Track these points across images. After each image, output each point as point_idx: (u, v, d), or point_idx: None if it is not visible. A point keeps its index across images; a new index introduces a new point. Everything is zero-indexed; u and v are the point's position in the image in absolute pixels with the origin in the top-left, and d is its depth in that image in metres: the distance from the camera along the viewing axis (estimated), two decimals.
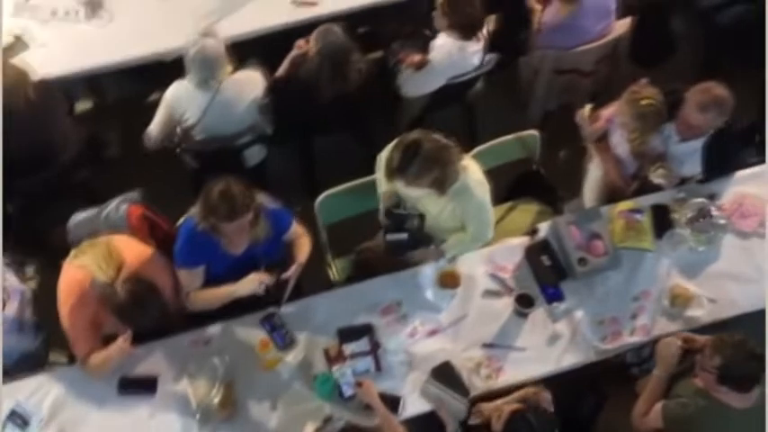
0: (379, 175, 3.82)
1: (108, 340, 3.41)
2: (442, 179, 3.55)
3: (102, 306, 3.29)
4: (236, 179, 3.39)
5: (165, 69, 4.26)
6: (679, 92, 3.77)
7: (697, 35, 5.04)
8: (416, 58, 4.37)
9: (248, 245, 3.56)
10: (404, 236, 3.76)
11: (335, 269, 4.13)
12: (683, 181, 3.98)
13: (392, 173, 3.56)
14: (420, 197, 3.72)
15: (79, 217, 3.67)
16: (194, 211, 3.45)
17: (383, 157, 3.70)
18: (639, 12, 4.64)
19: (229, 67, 4.07)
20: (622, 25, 4.53)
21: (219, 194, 3.33)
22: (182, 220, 3.64)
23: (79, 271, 3.36)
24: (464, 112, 4.77)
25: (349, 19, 4.51)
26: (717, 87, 3.69)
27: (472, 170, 3.71)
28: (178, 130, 4.17)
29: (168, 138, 4.19)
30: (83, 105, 5.02)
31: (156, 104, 4.16)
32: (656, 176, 3.87)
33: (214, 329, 3.64)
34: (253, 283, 3.50)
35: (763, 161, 4.11)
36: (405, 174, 3.51)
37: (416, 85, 4.38)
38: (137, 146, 4.22)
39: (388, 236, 3.78)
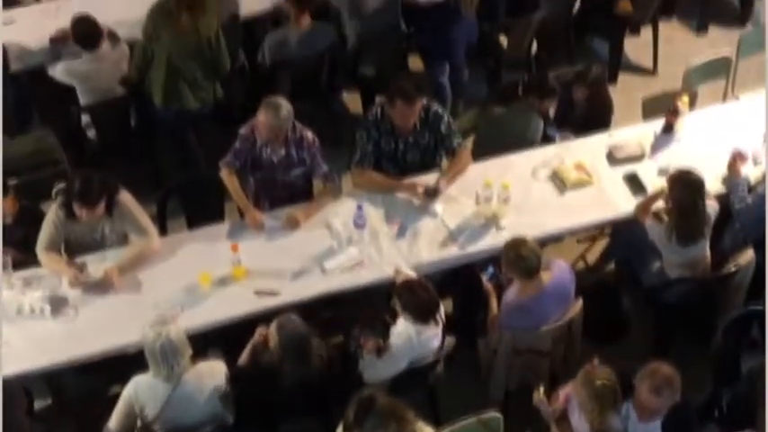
0: None
1: None
2: None
3: None
4: None
5: (126, 363, 4.29)
6: (632, 374, 3.85)
7: (646, 313, 5.22)
8: (377, 343, 4.46)
9: None
10: None
11: None
12: None
13: (348, 430, 3.51)
14: None
15: None
16: None
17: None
18: (590, 292, 4.82)
19: (189, 352, 4.10)
20: (575, 306, 4.69)
21: None
22: None
23: None
24: (426, 394, 4.79)
25: (310, 305, 4.65)
26: (663, 367, 3.78)
27: None
28: (138, 423, 4.12)
29: None
30: (41, 402, 4.97)
31: (115, 399, 4.13)
32: None
33: None
34: None
35: None
36: (361, 429, 3.46)
37: (378, 370, 4.43)
38: None
39: None
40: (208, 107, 5.89)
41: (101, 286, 4.67)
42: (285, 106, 4.89)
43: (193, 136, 6.09)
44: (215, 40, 5.66)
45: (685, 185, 4.72)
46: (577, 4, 6.94)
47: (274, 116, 4.86)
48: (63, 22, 5.90)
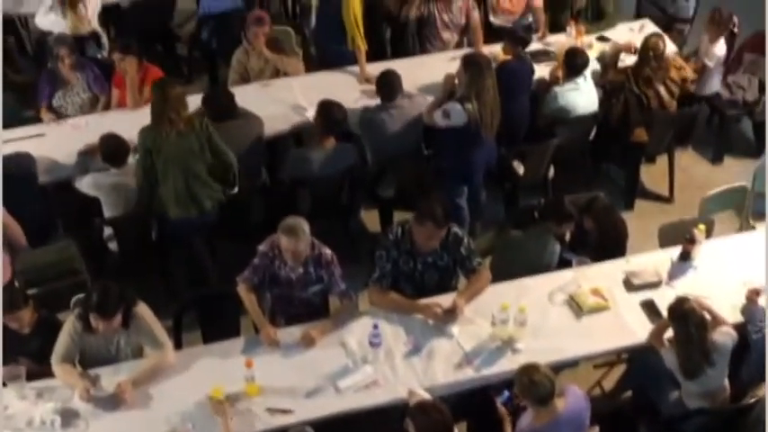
0: None
1: None
2: None
3: None
4: None
5: None
6: None
7: None
8: None
9: None
10: None
11: None
12: None
13: None
14: None
15: None
16: None
17: None
18: (606, 420, 4.76)
19: None
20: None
21: None
22: None
23: None
24: None
25: (323, 424, 4.60)
26: None
27: None
28: None
29: None
30: None
31: None
32: None
33: None
34: None
35: None
36: None
37: None
38: None
39: None
40: (218, 208, 5.99)
41: (112, 400, 4.65)
42: (304, 229, 4.96)
43: (203, 245, 6.16)
44: (207, 131, 5.80)
45: (679, 317, 4.74)
46: (594, 132, 7.09)
47: (295, 241, 4.94)
48: (92, 136, 6.09)
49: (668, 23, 7.88)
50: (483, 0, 7.73)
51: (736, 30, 7.64)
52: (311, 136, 6.31)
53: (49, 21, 7.21)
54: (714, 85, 7.52)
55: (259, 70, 6.98)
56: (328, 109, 6.09)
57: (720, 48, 7.37)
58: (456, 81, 6.26)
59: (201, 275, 6.20)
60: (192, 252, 6.19)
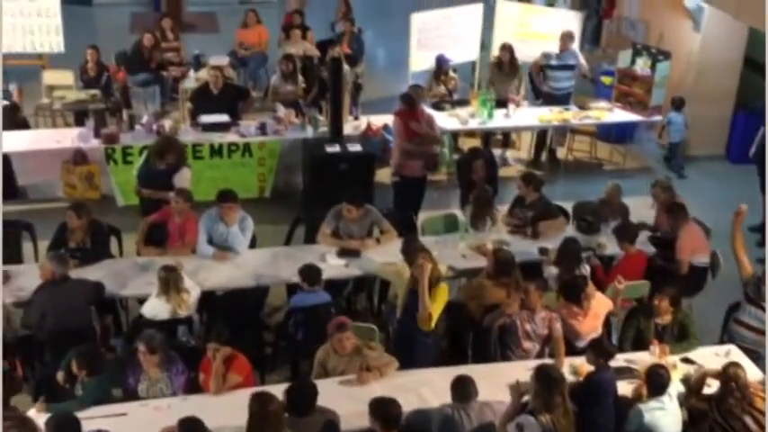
0: None
1: None
2: None
3: None
4: None
5: None
6: None
7: None
8: None
9: None
10: None
11: None
12: None
13: None
14: None
15: None
16: None
17: None
18: None
19: None
20: None
21: None
22: None
23: None
24: None
25: None
26: None
27: None
28: None
29: None
30: None
31: None
32: None
33: None
34: None
35: None
36: None
37: None
38: None
39: None
40: None
41: None
42: None
43: None
44: None
45: None
46: None
47: None
48: (173, 419, 6.12)
49: None
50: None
51: None
52: None
53: (152, 305, 7.51)
54: None
55: (341, 372, 7.07)
56: (382, 407, 6.09)
57: None
58: (525, 392, 6.25)
59: None
60: None
